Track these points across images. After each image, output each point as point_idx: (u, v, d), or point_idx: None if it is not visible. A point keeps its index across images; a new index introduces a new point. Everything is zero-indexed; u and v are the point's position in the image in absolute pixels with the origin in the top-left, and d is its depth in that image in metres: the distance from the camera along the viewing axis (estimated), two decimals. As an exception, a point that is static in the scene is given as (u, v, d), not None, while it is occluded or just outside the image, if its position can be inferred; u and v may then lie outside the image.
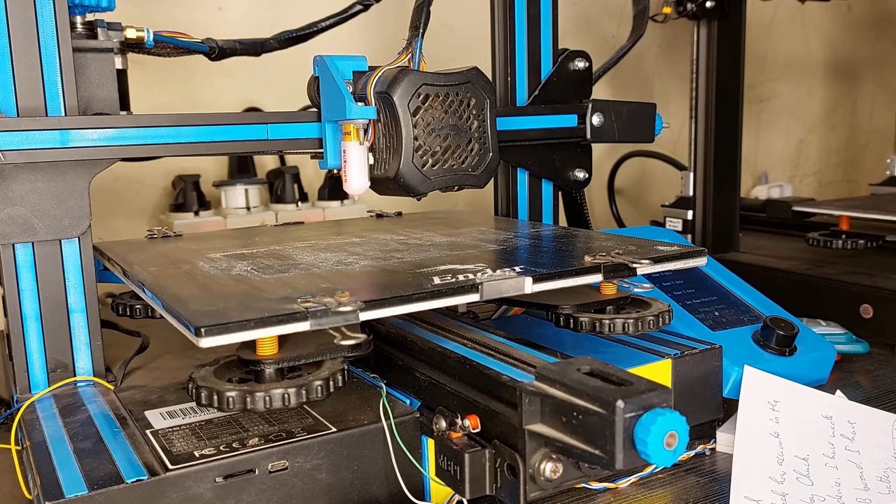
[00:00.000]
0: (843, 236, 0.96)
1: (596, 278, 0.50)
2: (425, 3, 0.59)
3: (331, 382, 0.45)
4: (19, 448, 0.49)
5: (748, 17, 1.01)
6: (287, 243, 0.63)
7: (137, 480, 0.40)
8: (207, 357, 0.49)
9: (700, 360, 0.55)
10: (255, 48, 0.73)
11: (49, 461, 0.42)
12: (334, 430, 0.45)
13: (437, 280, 0.47)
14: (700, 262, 0.54)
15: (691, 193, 1.04)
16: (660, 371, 0.53)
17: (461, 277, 0.47)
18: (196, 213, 0.96)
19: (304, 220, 0.85)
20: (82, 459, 0.42)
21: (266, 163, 1.08)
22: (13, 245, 0.53)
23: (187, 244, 0.65)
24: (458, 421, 0.44)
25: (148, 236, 0.70)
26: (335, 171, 0.59)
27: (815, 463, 0.50)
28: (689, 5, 0.99)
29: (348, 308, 0.41)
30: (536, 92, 0.74)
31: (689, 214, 1.05)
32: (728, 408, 0.57)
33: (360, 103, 0.55)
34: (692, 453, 0.54)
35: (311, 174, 1.06)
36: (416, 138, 0.56)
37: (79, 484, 0.39)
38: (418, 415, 0.47)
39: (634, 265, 0.50)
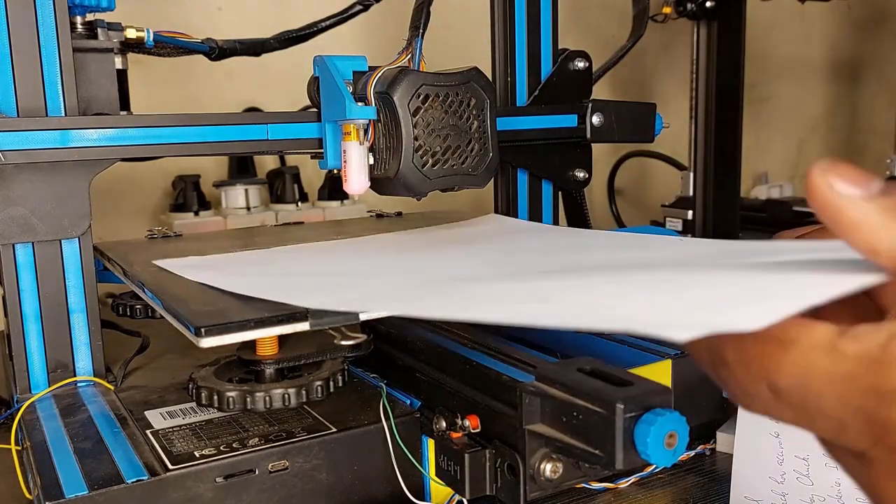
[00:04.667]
0: (843, 236, 0.95)
1: (596, 278, 0.50)
2: (425, 3, 0.59)
3: (331, 382, 0.45)
4: (19, 448, 0.49)
5: (748, 17, 1.01)
6: (287, 243, 0.63)
7: (138, 480, 0.40)
8: (207, 357, 0.49)
9: (700, 360, 0.55)
10: (255, 48, 0.73)
11: (49, 461, 0.42)
12: (334, 430, 0.45)
13: (437, 280, 0.47)
14: (700, 262, 0.54)
15: (691, 193, 1.04)
16: (660, 371, 0.53)
17: (461, 277, 0.47)
18: (196, 214, 0.96)
19: (304, 220, 0.85)
20: (82, 459, 0.42)
21: (266, 163, 1.08)
22: (13, 245, 0.53)
23: (187, 244, 0.65)
24: (459, 421, 0.44)
25: (148, 236, 0.70)
26: (335, 171, 0.59)
27: (815, 463, 0.50)
28: (689, 5, 0.99)
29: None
30: (536, 92, 0.74)
31: (689, 214, 1.05)
32: (728, 408, 0.57)
33: (360, 103, 0.55)
34: (692, 453, 0.54)
35: (311, 174, 1.06)
36: (416, 138, 0.56)
37: (79, 484, 0.39)
38: (418, 415, 0.47)
39: (634, 265, 0.50)
